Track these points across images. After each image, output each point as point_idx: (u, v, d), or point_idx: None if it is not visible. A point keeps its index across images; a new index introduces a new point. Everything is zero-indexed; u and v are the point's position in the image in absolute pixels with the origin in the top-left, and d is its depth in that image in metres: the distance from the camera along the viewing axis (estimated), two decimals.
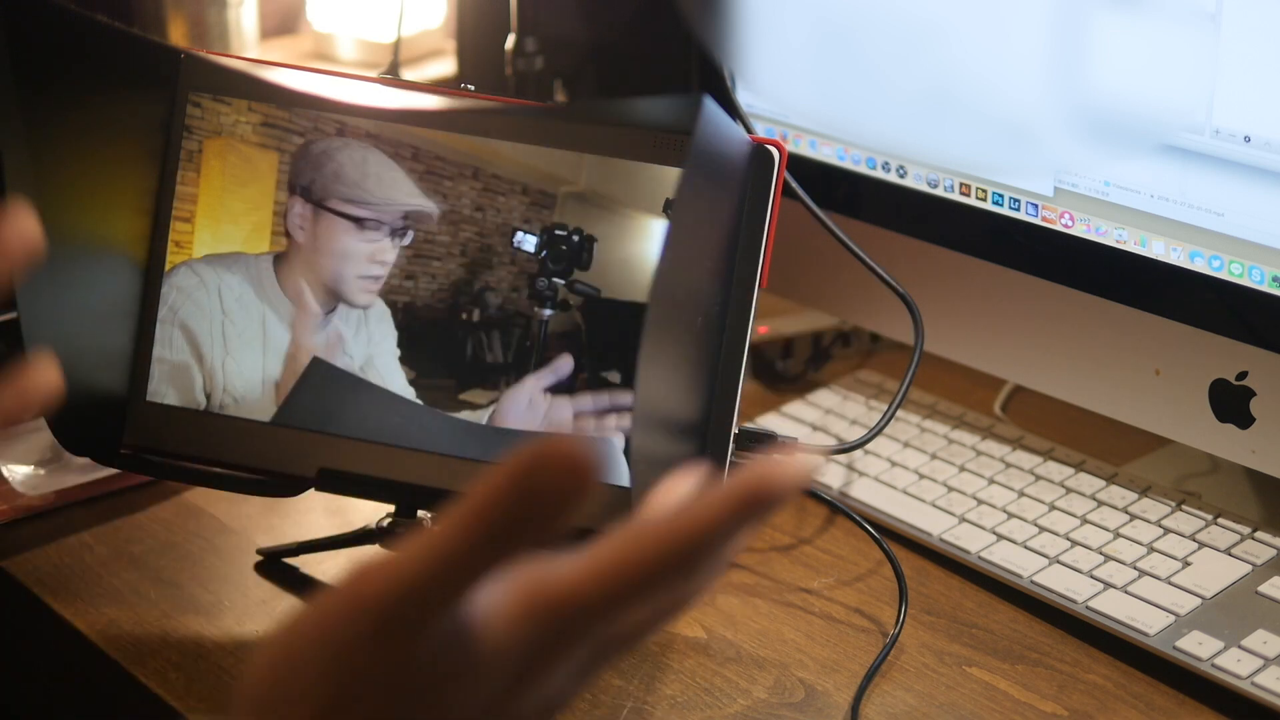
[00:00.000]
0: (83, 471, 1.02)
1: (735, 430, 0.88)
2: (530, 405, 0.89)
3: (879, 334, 1.20)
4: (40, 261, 0.61)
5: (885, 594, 0.94)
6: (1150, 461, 1.04)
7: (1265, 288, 0.89)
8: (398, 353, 0.91)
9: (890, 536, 0.97)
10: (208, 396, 0.92)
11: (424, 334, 0.91)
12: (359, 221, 0.91)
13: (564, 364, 0.89)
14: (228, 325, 0.92)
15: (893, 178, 1.06)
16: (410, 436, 0.90)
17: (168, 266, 0.93)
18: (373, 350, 0.91)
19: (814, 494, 0.99)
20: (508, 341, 0.90)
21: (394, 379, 0.91)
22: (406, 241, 0.91)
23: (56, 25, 0.88)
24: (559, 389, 0.89)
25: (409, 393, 0.91)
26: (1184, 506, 0.96)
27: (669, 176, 0.88)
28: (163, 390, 0.93)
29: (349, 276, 0.91)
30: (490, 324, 0.91)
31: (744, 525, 0.49)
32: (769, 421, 1.10)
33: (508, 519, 0.47)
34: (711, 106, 0.77)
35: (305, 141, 0.92)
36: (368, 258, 0.91)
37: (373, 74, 1.04)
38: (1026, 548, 0.94)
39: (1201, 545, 0.92)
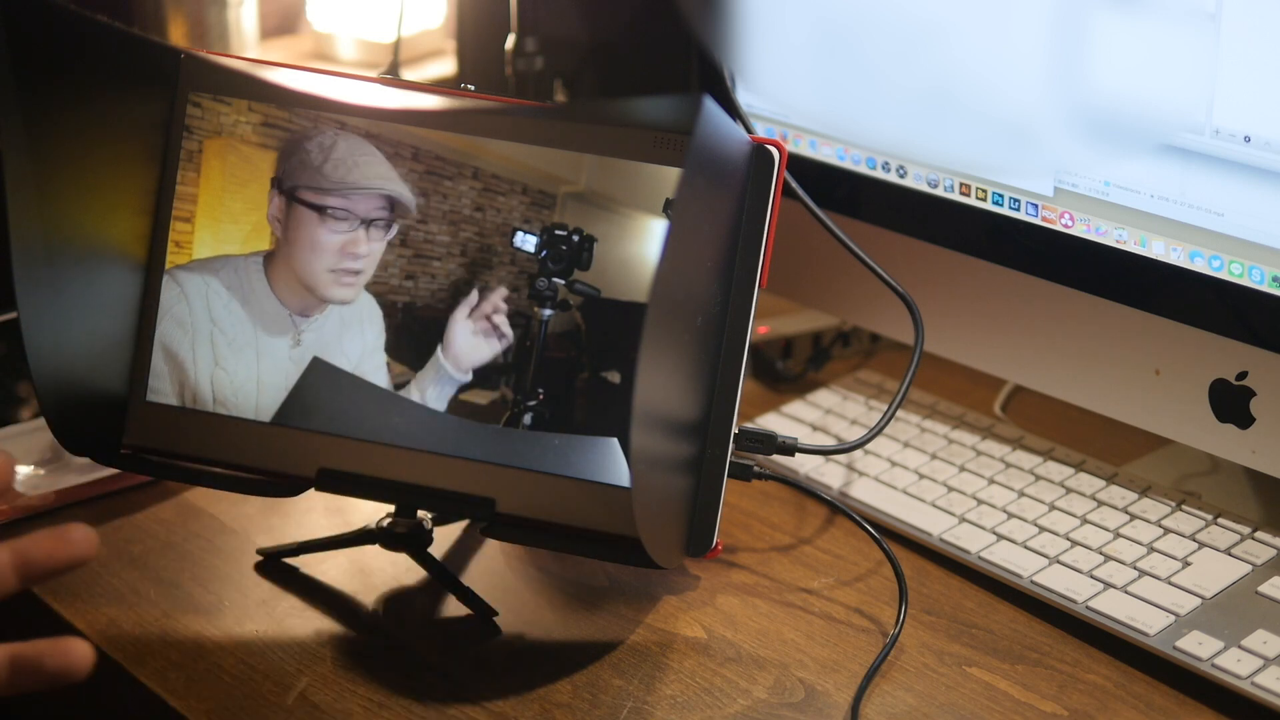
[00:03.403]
0: (83, 471, 1.02)
1: (735, 430, 0.88)
2: (469, 338, 0.89)
3: (879, 334, 1.20)
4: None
5: (885, 594, 0.94)
6: (1150, 461, 1.04)
7: (1265, 288, 0.89)
8: (385, 358, 0.91)
9: (890, 536, 0.97)
10: (195, 403, 0.92)
11: (424, 334, 0.91)
12: (320, 211, 0.91)
13: (472, 296, 0.89)
14: (217, 334, 0.92)
15: (893, 178, 1.06)
16: (410, 436, 0.90)
17: (167, 267, 0.93)
18: (365, 350, 0.91)
19: (814, 494, 0.99)
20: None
21: (380, 380, 0.91)
22: (390, 235, 0.91)
23: (56, 25, 0.88)
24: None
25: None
26: (1184, 506, 0.96)
27: (669, 176, 0.88)
28: (163, 390, 0.93)
29: (319, 270, 0.91)
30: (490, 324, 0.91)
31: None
32: (769, 421, 1.10)
33: None
34: (711, 106, 0.77)
35: (292, 134, 0.92)
36: (338, 250, 0.91)
37: (373, 74, 1.04)
38: (1026, 548, 0.94)
39: (1201, 545, 0.92)
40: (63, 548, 0.66)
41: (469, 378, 0.90)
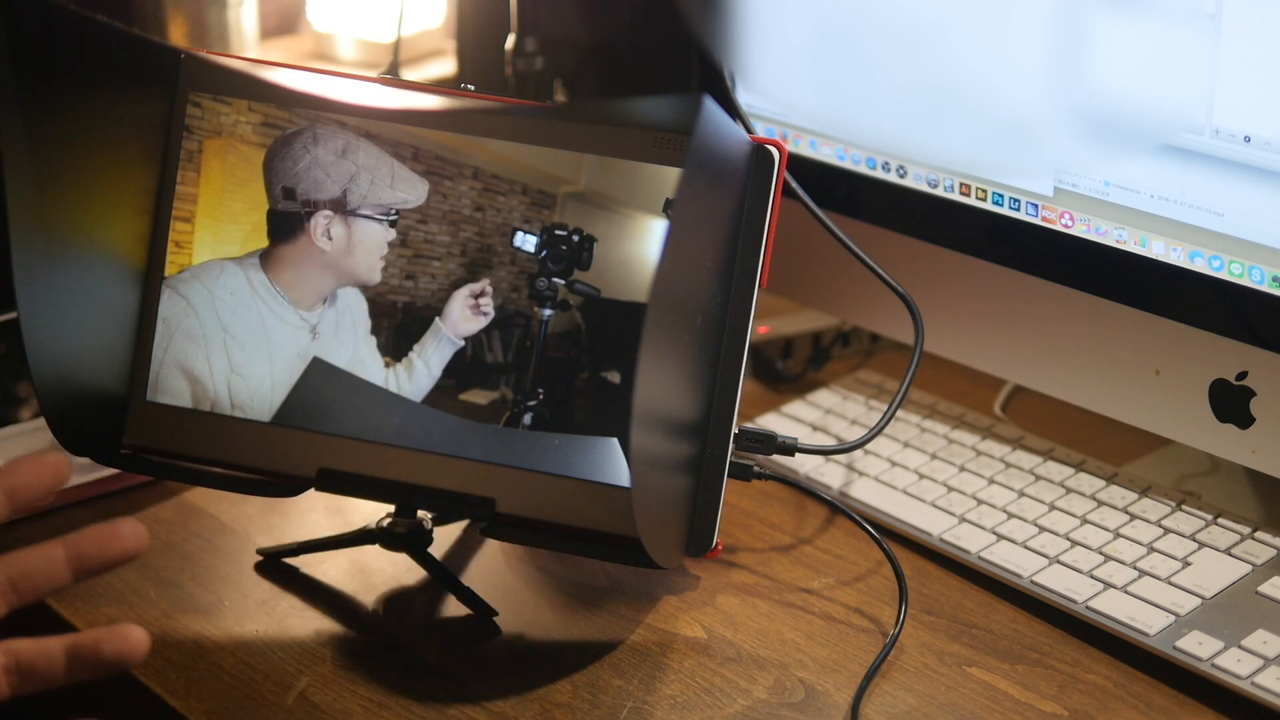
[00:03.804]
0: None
1: (735, 430, 0.88)
2: (464, 310, 0.90)
3: (879, 334, 1.20)
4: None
5: (885, 594, 0.94)
6: (1150, 461, 1.04)
7: (1265, 288, 0.89)
8: (374, 340, 0.91)
9: (890, 536, 0.97)
10: (213, 410, 0.93)
11: (424, 333, 0.91)
12: (386, 221, 0.91)
13: (478, 285, 0.91)
14: (230, 341, 0.92)
15: (893, 178, 1.06)
16: (410, 436, 0.90)
17: (167, 268, 0.93)
18: (357, 339, 0.92)
19: (814, 494, 0.99)
20: (508, 341, 0.90)
21: (374, 365, 0.91)
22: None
23: (56, 25, 0.88)
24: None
25: (385, 378, 0.91)
26: (1184, 506, 0.96)
27: (669, 176, 0.88)
28: (163, 391, 0.93)
29: (376, 263, 0.92)
30: (490, 324, 0.91)
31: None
32: (769, 421, 1.10)
33: None
34: (711, 106, 0.77)
35: (292, 142, 0.92)
36: (387, 242, 0.92)
37: (373, 74, 1.04)
38: (1026, 548, 0.94)
39: (1201, 545, 0.92)
40: (115, 542, 0.68)
41: (463, 343, 0.90)
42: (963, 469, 1.03)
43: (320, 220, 0.92)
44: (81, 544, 0.68)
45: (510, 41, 1.24)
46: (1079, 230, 0.97)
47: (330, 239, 0.92)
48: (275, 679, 0.87)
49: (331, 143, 0.91)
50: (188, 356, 0.93)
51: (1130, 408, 0.98)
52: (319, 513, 1.01)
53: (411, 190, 0.91)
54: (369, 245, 0.92)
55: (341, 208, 0.91)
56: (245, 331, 0.92)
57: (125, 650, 0.67)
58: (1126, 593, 0.89)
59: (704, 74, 1.11)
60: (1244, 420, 0.92)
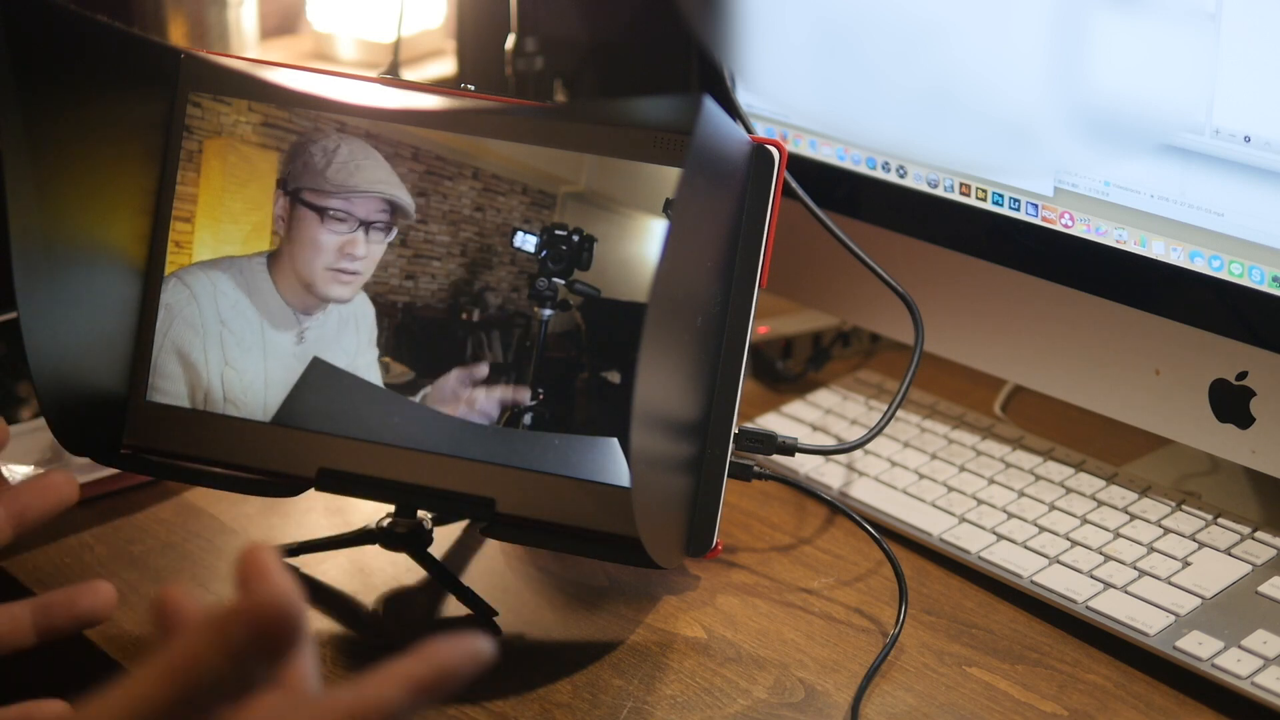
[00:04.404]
0: (83, 471, 1.02)
1: (735, 430, 0.88)
2: (454, 396, 0.90)
3: (879, 334, 1.20)
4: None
5: (885, 594, 0.94)
6: (1150, 461, 1.04)
7: (1265, 288, 0.89)
8: (376, 351, 0.91)
9: (890, 536, 0.97)
10: (206, 403, 0.93)
11: (424, 334, 0.91)
12: (321, 212, 0.91)
13: (481, 370, 0.90)
14: (225, 334, 0.92)
15: (893, 178, 1.06)
16: (410, 436, 0.90)
17: (167, 267, 0.93)
18: (359, 347, 0.92)
19: (814, 494, 0.99)
20: (508, 341, 0.90)
21: (373, 375, 0.91)
22: (389, 237, 0.91)
23: (56, 25, 0.88)
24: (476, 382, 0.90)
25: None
26: (1184, 506, 0.96)
27: (669, 176, 0.88)
28: (174, 393, 0.93)
29: (318, 268, 0.92)
30: (490, 324, 0.91)
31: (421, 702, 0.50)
32: (769, 421, 1.10)
33: (203, 675, 0.49)
34: (711, 106, 0.77)
35: (298, 137, 0.92)
36: (337, 250, 0.91)
37: (373, 74, 1.04)
38: (1026, 548, 0.94)
39: (1201, 545, 0.92)
40: (51, 491, 0.70)
41: None
42: (963, 469, 1.03)
43: (278, 200, 0.92)
44: (18, 498, 0.69)
45: (510, 41, 1.24)
46: (1079, 230, 0.97)
47: (283, 223, 0.92)
48: None
49: (312, 135, 0.92)
50: (185, 343, 0.93)
51: (1130, 408, 0.98)
52: (319, 513, 1.01)
53: (346, 179, 0.90)
54: (305, 239, 0.91)
55: (284, 188, 0.92)
56: (242, 327, 0.92)
57: (97, 605, 0.69)
58: (1126, 593, 0.89)
59: (704, 74, 1.11)
60: (1244, 420, 0.92)
